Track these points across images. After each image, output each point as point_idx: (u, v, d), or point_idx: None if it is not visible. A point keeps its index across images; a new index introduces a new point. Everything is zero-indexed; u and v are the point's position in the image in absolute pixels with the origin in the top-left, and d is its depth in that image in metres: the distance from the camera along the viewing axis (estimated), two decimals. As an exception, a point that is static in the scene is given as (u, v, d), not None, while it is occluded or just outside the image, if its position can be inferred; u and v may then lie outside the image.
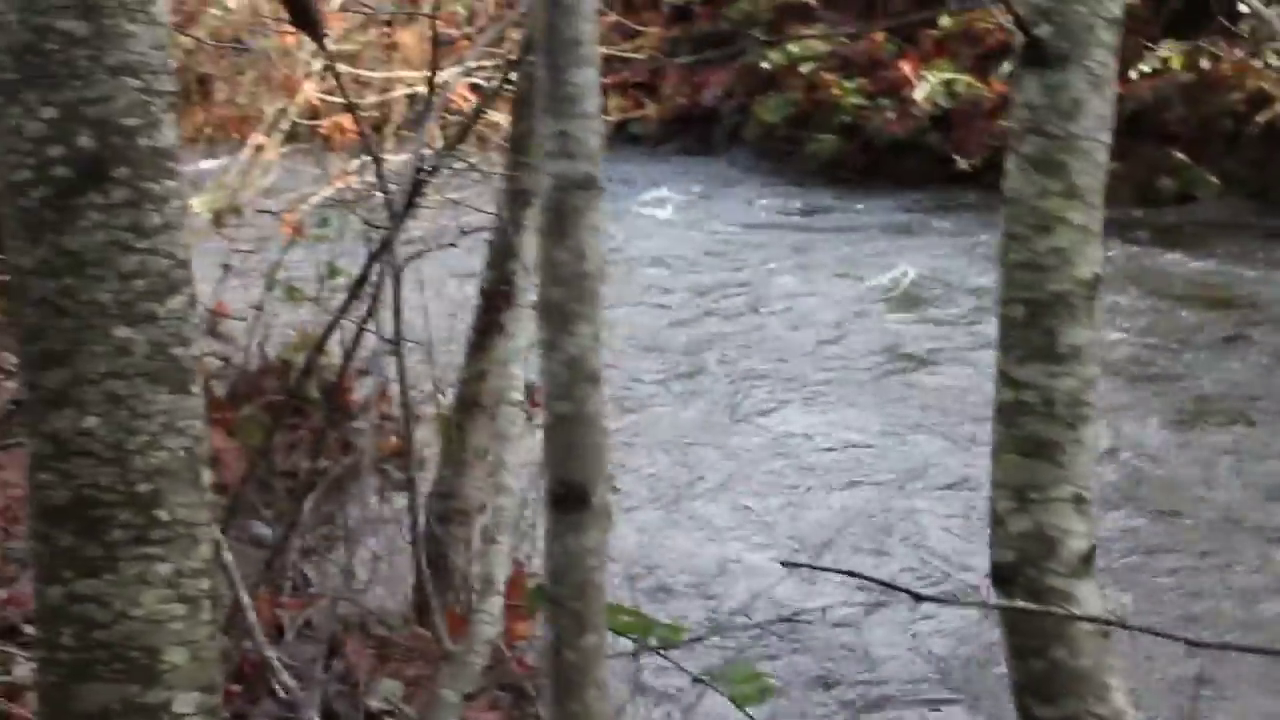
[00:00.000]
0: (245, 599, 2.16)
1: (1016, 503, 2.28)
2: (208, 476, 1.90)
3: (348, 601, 3.60)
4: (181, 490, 1.86)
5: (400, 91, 9.51)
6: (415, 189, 3.72)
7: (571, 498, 1.59)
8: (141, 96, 1.83)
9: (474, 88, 9.01)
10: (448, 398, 4.88)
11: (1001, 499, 2.29)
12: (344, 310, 4.10)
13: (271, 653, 2.52)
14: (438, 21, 3.72)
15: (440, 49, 3.72)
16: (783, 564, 1.54)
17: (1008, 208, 2.29)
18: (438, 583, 3.90)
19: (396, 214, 3.49)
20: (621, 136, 13.78)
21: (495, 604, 2.78)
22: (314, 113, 9.62)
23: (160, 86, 1.86)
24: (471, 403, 4.80)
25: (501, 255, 4.69)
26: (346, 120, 9.12)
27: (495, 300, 4.73)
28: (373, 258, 3.83)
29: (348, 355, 4.44)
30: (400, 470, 5.32)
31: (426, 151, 3.79)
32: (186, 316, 1.88)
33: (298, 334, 5.78)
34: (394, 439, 5.27)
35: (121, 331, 1.83)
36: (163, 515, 1.85)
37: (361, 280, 3.97)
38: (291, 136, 9.29)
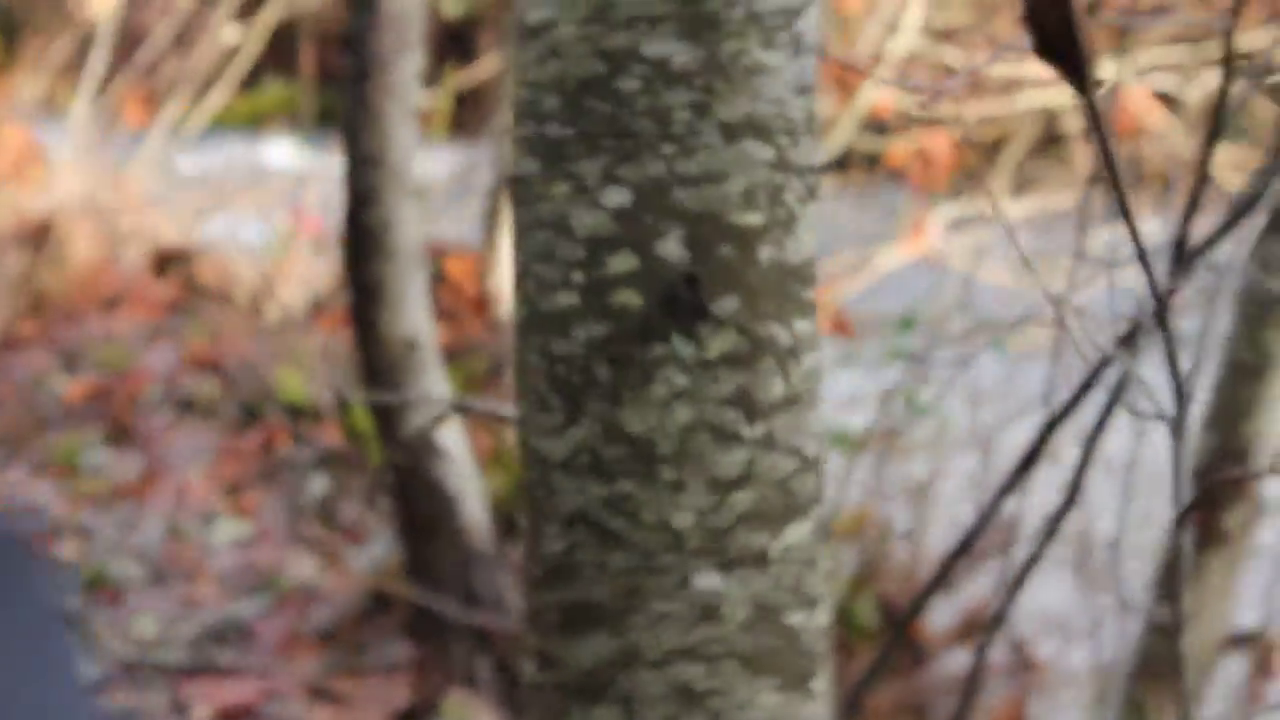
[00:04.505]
0: None
1: None
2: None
3: None
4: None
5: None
6: (1166, 297, 1.78)
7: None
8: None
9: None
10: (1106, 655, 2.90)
11: None
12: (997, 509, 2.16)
13: None
14: None
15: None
16: None
17: None
18: None
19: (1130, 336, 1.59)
20: None
21: None
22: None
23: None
24: (1160, 663, 2.80)
25: (1229, 416, 2.68)
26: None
27: (1214, 491, 2.71)
28: (1083, 387, 1.89)
29: (949, 567, 2.55)
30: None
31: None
32: None
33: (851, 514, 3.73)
34: (1004, 705, 3.26)
35: None
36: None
37: (1043, 439, 2.04)
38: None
